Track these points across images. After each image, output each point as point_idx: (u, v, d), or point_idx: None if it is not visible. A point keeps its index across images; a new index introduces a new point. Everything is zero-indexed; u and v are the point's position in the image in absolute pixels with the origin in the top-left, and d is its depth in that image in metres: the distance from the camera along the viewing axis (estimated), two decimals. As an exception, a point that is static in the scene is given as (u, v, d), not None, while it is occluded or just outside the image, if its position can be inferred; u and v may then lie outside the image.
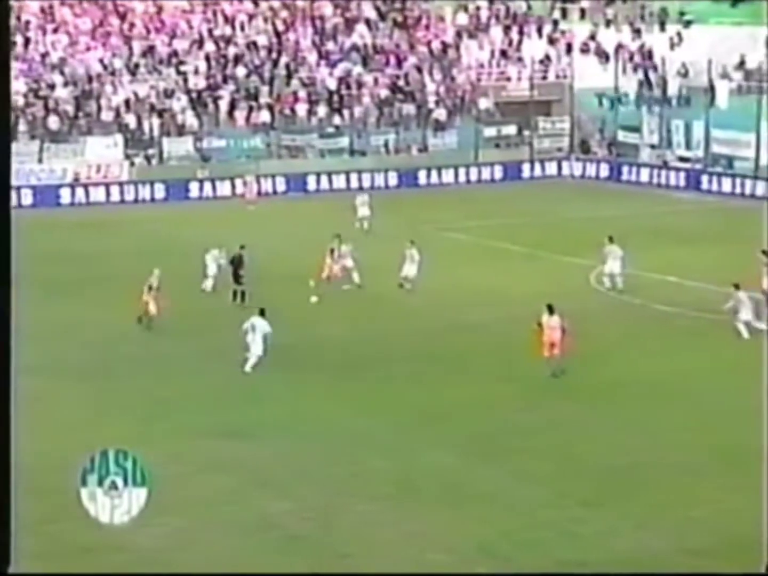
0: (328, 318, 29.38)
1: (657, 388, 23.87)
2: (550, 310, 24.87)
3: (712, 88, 52.29)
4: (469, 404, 23.00)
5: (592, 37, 60.16)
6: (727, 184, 49.55)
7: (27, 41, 52.65)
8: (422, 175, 52.76)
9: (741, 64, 53.90)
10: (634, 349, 26.90)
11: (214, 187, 50.07)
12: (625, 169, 53.33)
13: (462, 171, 53.57)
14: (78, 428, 21.34)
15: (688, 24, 57.52)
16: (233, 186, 49.67)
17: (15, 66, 50.76)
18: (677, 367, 25.35)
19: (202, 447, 20.59)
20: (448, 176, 53.15)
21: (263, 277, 31.56)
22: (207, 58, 54.59)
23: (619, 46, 58.09)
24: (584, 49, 59.80)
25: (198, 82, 53.35)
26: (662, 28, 58.55)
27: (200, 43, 55.36)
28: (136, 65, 53.28)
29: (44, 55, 52.46)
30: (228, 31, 56.59)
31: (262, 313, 25.02)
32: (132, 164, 50.01)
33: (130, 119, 51.00)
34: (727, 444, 20.78)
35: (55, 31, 53.78)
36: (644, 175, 52.53)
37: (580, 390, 23.82)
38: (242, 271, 30.63)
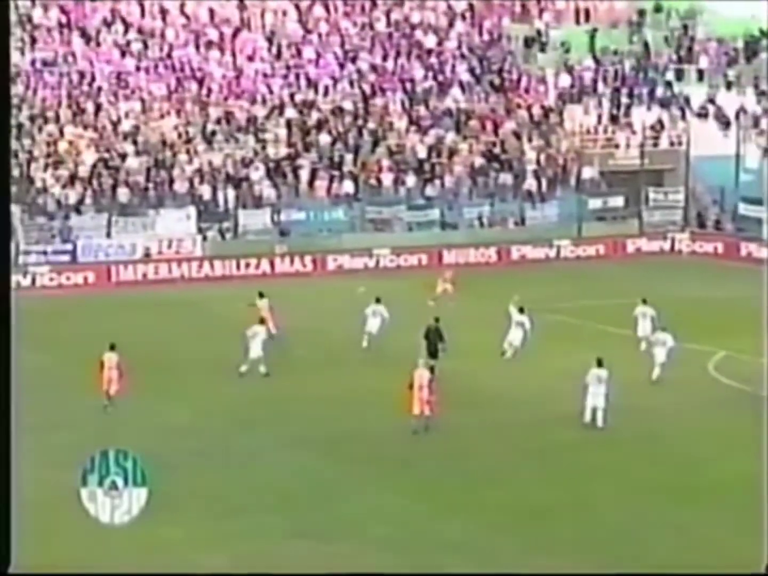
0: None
1: None
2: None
3: None
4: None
5: (711, 101, 59.96)
6: None
7: (98, 108, 54.09)
8: (517, 249, 52.51)
9: None
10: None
11: (292, 263, 50.39)
12: (744, 245, 52.58)
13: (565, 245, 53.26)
14: None
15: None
16: (314, 262, 50.00)
17: (85, 135, 52.44)
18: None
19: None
20: (548, 251, 52.86)
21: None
22: (288, 125, 55.55)
23: (741, 110, 57.77)
24: (701, 114, 59.59)
25: (278, 151, 54.26)
26: (790, 90, 58.19)
27: (281, 108, 56.44)
28: (213, 132, 54.48)
29: (115, 123, 53.82)
30: (311, 95, 57.61)
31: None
32: (204, 238, 50.84)
33: (204, 190, 52.07)
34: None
35: (128, 98, 55.12)
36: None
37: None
38: (441, 345, 30.86)
